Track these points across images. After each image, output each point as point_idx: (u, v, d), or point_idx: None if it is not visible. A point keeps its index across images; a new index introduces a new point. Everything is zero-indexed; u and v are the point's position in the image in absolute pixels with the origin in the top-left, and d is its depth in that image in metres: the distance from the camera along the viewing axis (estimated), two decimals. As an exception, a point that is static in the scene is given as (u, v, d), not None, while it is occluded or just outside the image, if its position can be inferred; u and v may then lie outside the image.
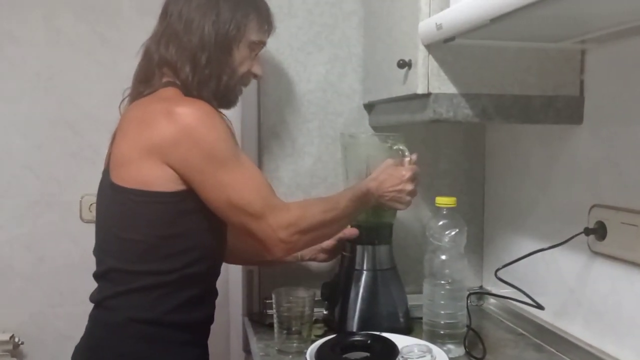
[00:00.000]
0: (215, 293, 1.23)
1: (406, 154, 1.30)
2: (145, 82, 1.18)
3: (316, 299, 1.28)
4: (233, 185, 1.08)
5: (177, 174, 1.07)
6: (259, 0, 1.24)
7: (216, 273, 1.22)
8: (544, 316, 1.32)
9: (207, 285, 1.19)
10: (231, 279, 1.88)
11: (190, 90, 1.13)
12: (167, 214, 1.09)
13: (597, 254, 1.16)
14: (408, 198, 1.28)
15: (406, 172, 1.27)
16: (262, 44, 1.24)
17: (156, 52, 1.16)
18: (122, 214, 1.12)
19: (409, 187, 1.26)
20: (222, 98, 1.18)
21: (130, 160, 1.09)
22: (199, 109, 1.08)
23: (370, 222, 1.35)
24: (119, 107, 1.21)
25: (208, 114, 1.08)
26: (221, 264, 1.24)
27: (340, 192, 1.27)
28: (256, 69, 1.24)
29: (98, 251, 1.18)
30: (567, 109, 1.19)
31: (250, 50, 1.21)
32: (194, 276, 1.13)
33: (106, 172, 1.15)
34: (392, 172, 1.27)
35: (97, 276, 1.17)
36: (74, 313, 1.21)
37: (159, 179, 1.07)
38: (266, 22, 1.23)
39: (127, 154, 1.10)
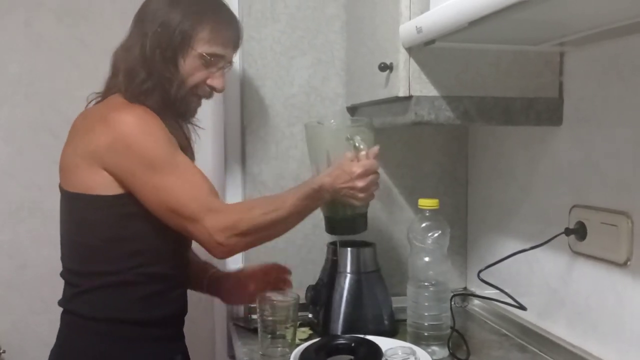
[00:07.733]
0: (182, 287, 1.23)
1: (361, 147, 1.17)
2: (106, 89, 1.20)
3: (301, 302, 1.28)
4: (169, 189, 1.09)
5: (114, 178, 1.09)
6: (221, 11, 1.18)
7: (180, 272, 1.22)
8: (528, 317, 1.33)
9: (170, 282, 1.19)
10: (216, 283, 1.86)
11: (133, 97, 1.13)
12: (111, 217, 1.12)
13: (578, 254, 1.17)
14: (361, 195, 1.15)
15: (357, 168, 1.14)
16: (217, 57, 1.17)
17: (115, 57, 1.19)
18: (72, 218, 1.16)
19: (360, 184, 1.14)
20: (173, 109, 1.16)
21: (73, 166, 1.13)
22: (134, 114, 1.09)
23: (342, 214, 1.26)
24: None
25: (142, 118, 1.09)
26: (186, 262, 1.25)
27: (290, 190, 1.19)
28: (214, 82, 1.18)
29: (61, 255, 1.21)
30: (547, 111, 1.20)
31: (204, 63, 1.16)
32: (151, 275, 1.15)
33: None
34: (345, 167, 1.15)
35: (62, 279, 1.20)
36: (56, 320, 1.21)
37: (99, 183, 1.10)
38: (223, 34, 1.17)
39: (70, 160, 1.14)
